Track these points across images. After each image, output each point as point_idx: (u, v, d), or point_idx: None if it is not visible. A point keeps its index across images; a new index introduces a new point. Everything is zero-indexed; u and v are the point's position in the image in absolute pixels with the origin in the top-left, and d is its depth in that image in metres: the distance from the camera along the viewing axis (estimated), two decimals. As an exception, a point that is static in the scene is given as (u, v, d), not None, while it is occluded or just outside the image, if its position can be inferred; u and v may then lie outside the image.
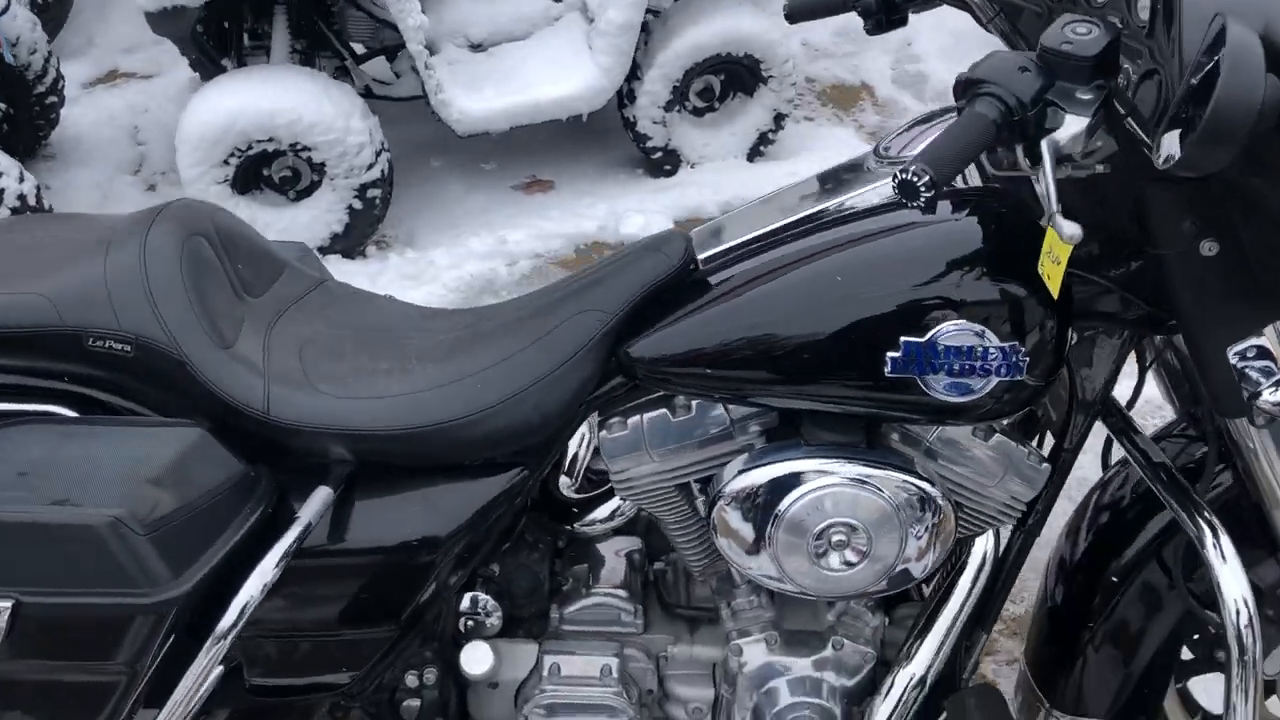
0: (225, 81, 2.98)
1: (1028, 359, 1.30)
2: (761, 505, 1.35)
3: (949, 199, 1.40)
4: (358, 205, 3.03)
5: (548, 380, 1.39)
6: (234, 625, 1.23)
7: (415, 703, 1.50)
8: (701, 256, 1.44)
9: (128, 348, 1.31)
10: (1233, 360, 1.33)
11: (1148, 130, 1.06)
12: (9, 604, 1.14)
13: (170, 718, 1.27)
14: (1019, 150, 1.16)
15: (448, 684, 1.52)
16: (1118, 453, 1.60)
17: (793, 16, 1.72)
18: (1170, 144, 0.99)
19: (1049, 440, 1.54)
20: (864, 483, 1.34)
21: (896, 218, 1.37)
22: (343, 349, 1.47)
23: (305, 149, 2.92)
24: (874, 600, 1.55)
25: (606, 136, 3.68)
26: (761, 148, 3.63)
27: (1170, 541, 1.56)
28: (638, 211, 3.33)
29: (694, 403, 1.42)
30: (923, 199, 1.05)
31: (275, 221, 3.00)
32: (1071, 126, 1.13)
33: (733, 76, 3.49)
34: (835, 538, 1.35)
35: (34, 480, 1.18)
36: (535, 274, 3.18)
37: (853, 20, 1.63)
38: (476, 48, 3.38)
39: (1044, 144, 1.10)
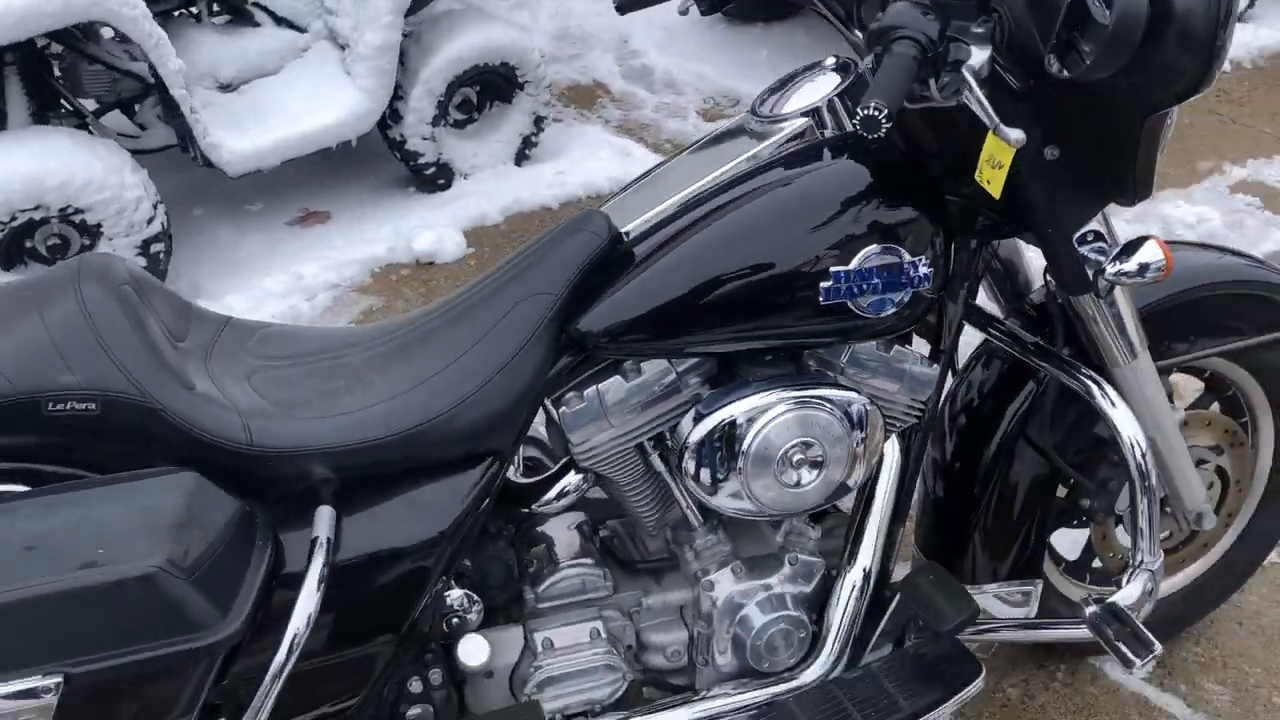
0: (-22, 152, 2.76)
1: (929, 270, 1.51)
2: (727, 443, 1.49)
3: (828, 146, 1.59)
4: (142, 263, 2.89)
5: (510, 366, 1.46)
6: (288, 659, 1.23)
7: (422, 708, 1.52)
8: (626, 228, 1.55)
9: (92, 405, 1.26)
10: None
11: (1042, 46, 1.28)
12: (58, 679, 1.09)
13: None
14: (933, 85, 1.35)
15: (447, 683, 1.55)
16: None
17: (623, 8, 1.85)
18: (1069, 57, 1.22)
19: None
20: (810, 403, 1.50)
21: (796, 169, 1.54)
22: (289, 377, 1.47)
23: (78, 211, 2.75)
24: (808, 516, 1.73)
25: (369, 161, 3.68)
26: (526, 151, 3.74)
27: (1031, 417, 1.84)
28: (425, 228, 3.36)
29: (641, 364, 1.53)
30: (883, 130, 1.22)
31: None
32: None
33: (489, 86, 3.58)
34: (795, 457, 1.51)
35: (46, 552, 1.13)
36: (337, 304, 3.15)
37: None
38: (226, 88, 3.29)
39: (965, 72, 1.30)
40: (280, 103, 3.23)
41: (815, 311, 1.48)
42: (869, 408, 1.54)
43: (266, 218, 3.48)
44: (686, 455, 1.50)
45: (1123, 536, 1.98)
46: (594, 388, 1.51)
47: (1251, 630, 2.25)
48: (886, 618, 1.71)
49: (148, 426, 1.28)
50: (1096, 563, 2.08)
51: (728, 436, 1.49)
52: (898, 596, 1.70)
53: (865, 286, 1.47)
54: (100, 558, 1.13)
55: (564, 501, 1.63)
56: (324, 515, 1.33)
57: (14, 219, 2.71)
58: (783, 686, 1.67)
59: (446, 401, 1.43)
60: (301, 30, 3.39)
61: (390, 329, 1.58)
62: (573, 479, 1.60)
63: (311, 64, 3.35)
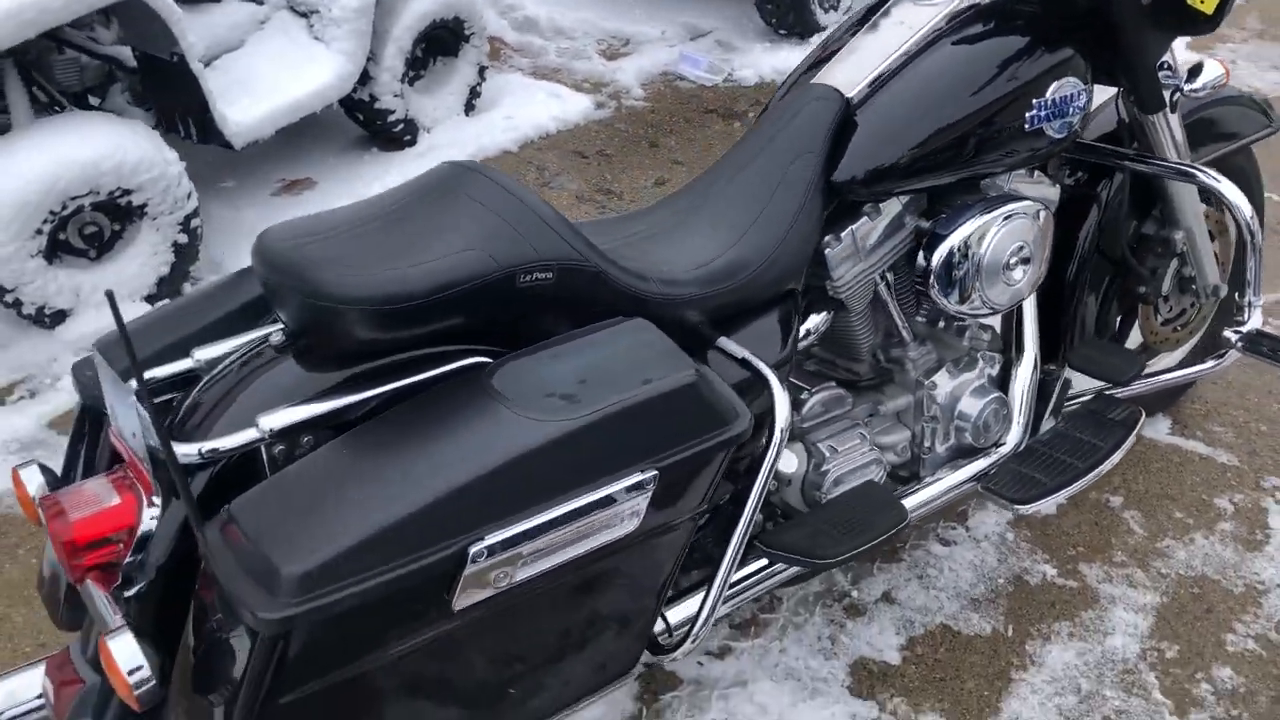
0: (20, 141, 2.69)
1: (1089, 97, 1.94)
2: (966, 258, 1.87)
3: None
4: (183, 239, 2.92)
5: (802, 215, 1.78)
6: (777, 453, 1.54)
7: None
8: (851, 94, 1.88)
9: (549, 275, 1.47)
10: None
11: None
12: (654, 473, 1.33)
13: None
14: None
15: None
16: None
17: None
18: None
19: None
20: (1016, 215, 1.90)
21: (985, 24, 1.90)
22: (644, 246, 1.71)
23: (125, 194, 2.75)
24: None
25: (316, 128, 3.76)
26: (473, 102, 3.94)
27: (1101, 233, 2.30)
28: (415, 180, 3.52)
29: (881, 206, 1.89)
30: None
31: (97, 283, 2.82)
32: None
33: (435, 41, 3.75)
34: (1014, 259, 1.91)
35: (600, 382, 1.36)
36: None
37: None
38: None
39: None
40: (259, 74, 3.28)
41: (1020, 138, 1.88)
42: (1045, 212, 1.96)
43: (249, 192, 3.52)
44: (934, 275, 1.87)
45: (1162, 315, 2.53)
46: (849, 229, 1.86)
47: (1225, 385, 2.88)
48: (1057, 389, 2.16)
49: (594, 288, 1.51)
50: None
51: (965, 252, 1.87)
52: (1064, 371, 2.15)
53: (1056, 112, 1.89)
54: (650, 376, 1.38)
55: (812, 338, 1.96)
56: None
57: (64, 207, 2.70)
58: (993, 457, 2.08)
59: (768, 247, 1.73)
60: (260, 3, 3.43)
61: (686, 199, 1.84)
62: (816, 319, 1.93)
63: (274, 35, 3.41)
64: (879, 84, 1.88)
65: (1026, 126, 1.87)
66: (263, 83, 3.26)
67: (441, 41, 3.75)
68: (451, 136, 3.77)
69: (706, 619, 1.56)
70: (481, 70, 3.91)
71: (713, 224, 1.78)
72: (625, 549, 1.38)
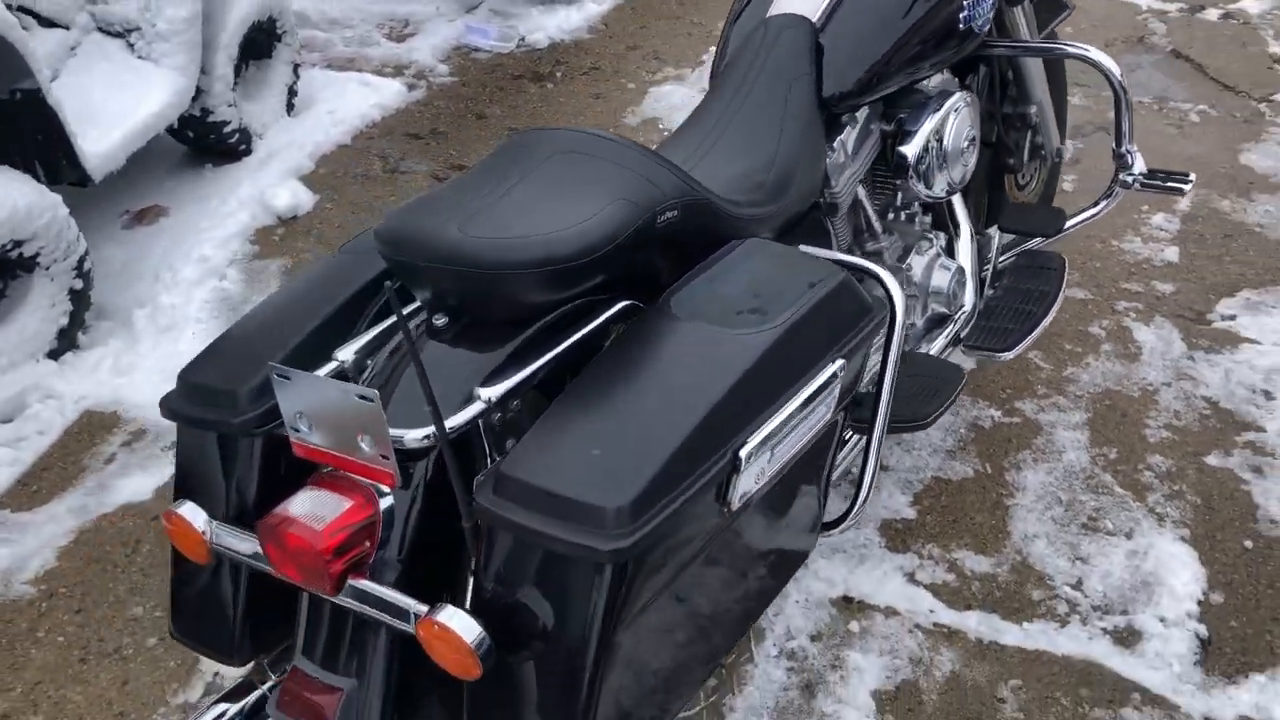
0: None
1: None
2: (935, 147, 2.14)
3: None
4: (78, 285, 2.73)
5: (813, 131, 1.98)
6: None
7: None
8: (815, 19, 2.09)
9: (676, 212, 1.60)
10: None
11: None
12: (842, 361, 1.51)
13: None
14: None
15: None
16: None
17: None
18: None
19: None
20: (959, 105, 2.19)
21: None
22: (700, 174, 1.85)
23: (17, 245, 2.54)
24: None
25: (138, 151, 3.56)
26: (292, 101, 3.84)
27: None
28: (274, 188, 3.42)
29: (856, 116, 2.12)
30: None
31: (-2, 347, 2.61)
32: None
33: (249, 44, 3.62)
34: (966, 143, 2.21)
35: (769, 293, 1.51)
36: (250, 275, 3.17)
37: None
38: (19, 101, 3.06)
39: None
40: (94, 103, 3.08)
41: (956, 36, 2.16)
42: (975, 100, 2.27)
43: (98, 229, 3.29)
44: (911, 169, 2.13)
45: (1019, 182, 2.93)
46: (839, 140, 2.08)
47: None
48: (994, 251, 2.49)
49: (705, 219, 1.65)
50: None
51: (933, 144, 2.14)
52: (998, 232, 2.48)
53: (977, 10, 2.18)
54: (812, 281, 1.54)
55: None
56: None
57: (-42, 270, 2.49)
58: (960, 321, 2.39)
59: (801, 162, 1.93)
60: (66, 28, 3.20)
61: (701, 129, 1.98)
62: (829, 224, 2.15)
63: (91, 60, 3.20)
64: (834, 7, 2.11)
65: (960, 26, 2.16)
66: (103, 111, 3.07)
67: (256, 44, 3.64)
68: (285, 139, 3.68)
69: (867, 493, 1.76)
70: (295, 68, 3.82)
71: (745, 148, 1.95)
72: (818, 438, 1.56)
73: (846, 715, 2.00)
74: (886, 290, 1.79)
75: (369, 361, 1.54)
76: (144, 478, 2.52)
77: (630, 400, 1.36)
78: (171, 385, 2.66)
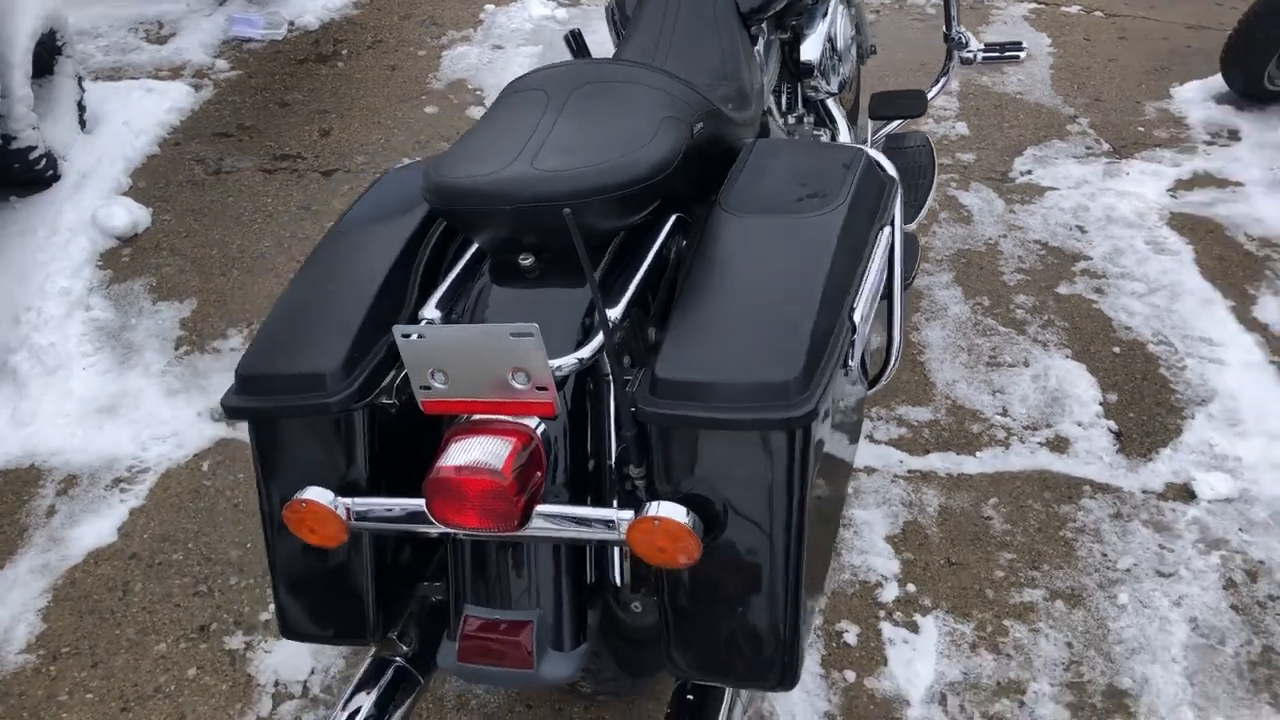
0: None
1: None
2: (828, 48, 2.35)
3: None
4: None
5: (745, 43, 2.13)
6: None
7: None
8: None
9: (703, 124, 1.70)
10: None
11: None
12: (889, 228, 1.67)
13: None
14: None
15: None
16: None
17: None
18: None
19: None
20: (838, 9, 2.41)
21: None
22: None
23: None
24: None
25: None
26: (83, 117, 3.55)
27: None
28: (103, 209, 3.19)
29: (764, 27, 2.29)
30: None
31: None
32: None
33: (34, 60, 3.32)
34: (850, 42, 2.43)
35: (812, 179, 1.63)
36: (117, 298, 2.96)
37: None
38: None
39: None
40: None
41: None
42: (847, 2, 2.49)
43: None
44: (817, 66, 2.32)
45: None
46: (756, 50, 2.24)
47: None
48: (869, 140, 2.74)
49: (721, 126, 1.76)
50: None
51: (826, 43, 2.34)
52: (870, 120, 2.73)
53: None
54: (844, 163, 1.69)
55: None
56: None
57: None
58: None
59: (750, 72, 2.07)
60: None
61: (642, 44, 2.07)
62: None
63: None
64: None
65: None
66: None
67: (39, 60, 3.35)
68: (91, 157, 3.41)
69: (900, 345, 1.95)
70: (80, 82, 3.54)
71: (695, 61, 2.06)
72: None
73: (874, 563, 2.22)
74: (882, 165, 1.97)
75: (453, 314, 1.56)
76: (98, 521, 2.36)
77: (747, 292, 1.46)
78: (79, 422, 2.51)
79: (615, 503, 1.52)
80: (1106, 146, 3.71)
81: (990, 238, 3.23)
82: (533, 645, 1.48)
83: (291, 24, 4.43)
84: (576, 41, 2.70)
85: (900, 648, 2.05)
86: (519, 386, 1.37)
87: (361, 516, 1.47)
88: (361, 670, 1.69)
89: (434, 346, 1.35)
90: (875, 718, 1.93)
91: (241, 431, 2.57)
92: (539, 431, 1.44)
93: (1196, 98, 4.00)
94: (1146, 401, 2.62)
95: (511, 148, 1.58)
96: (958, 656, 2.03)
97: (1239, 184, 3.49)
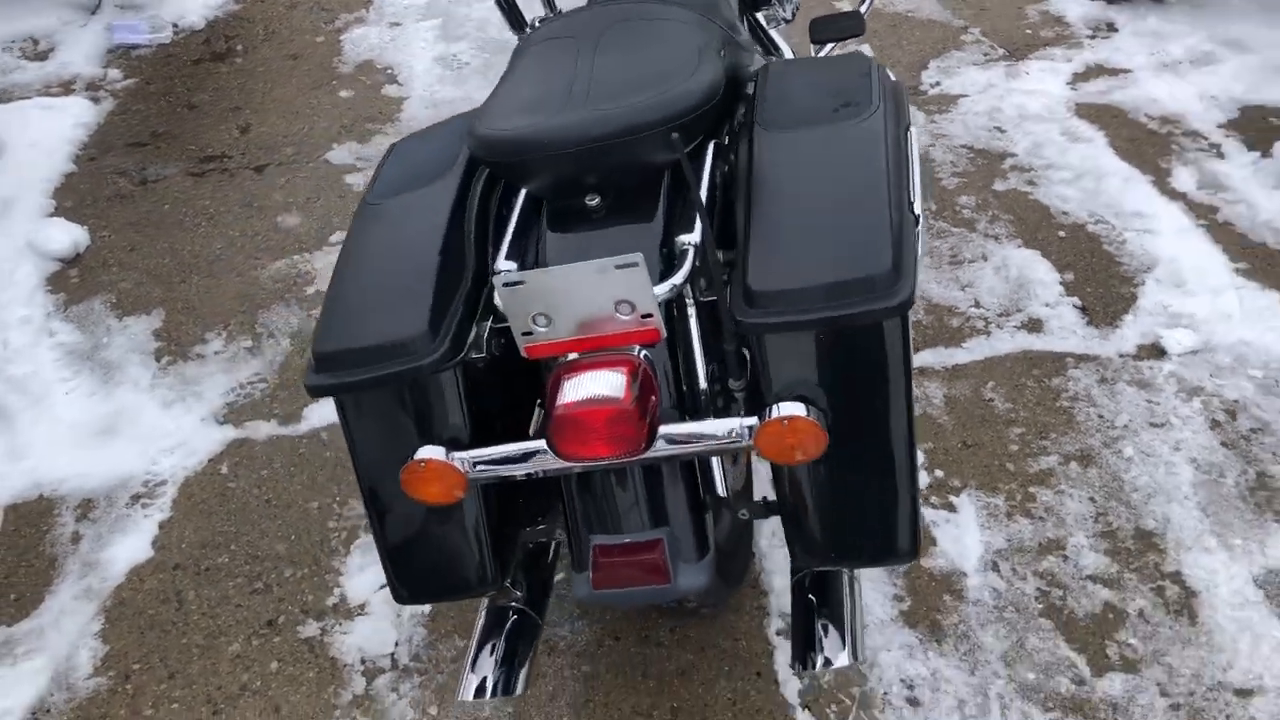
0: None
1: None
2: None
3: None
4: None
5: None
6: None
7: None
8: None
9: (725, 51, 1.73)
10: None
11: None
12: (912, 129, 1.75)
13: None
14: None
15: None
16: None
17: None
18: None
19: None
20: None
21: None
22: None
23: None
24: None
25: None
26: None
27: None
28: (40, 232, 3.05)
29: None
30: None
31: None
32: None
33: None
34: None
35: (838, 92, 1.68)
36: (81, 321, 2.86)
37: None
38: None
39: None
40: None
41: None
42: None
43: None
44: None
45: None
46: None
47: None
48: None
49: (737, 54, 1.80)
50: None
51: None
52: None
53: None
54: (860, 73, 1.77)
55: None
56: None
57: None
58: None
59: (731, 15, 2.14)
60: None
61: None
62: None
63: None
64: None
65: None
66: None
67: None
68: (9, 184, 3.26)
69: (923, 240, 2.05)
70: (-20, 107, 3.38)
71: None
72: None
73: (900, 455, 2.34)
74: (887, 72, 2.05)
75: (525, 264, 1.59)
76: (129, 539, 2.31)
77: (818, 199, 1.52)
78: (78, 447, 2.45)
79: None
80: (1002, 51, 3.90)
81: (920, 147, 3.37)
82: (667, 561, 1.55)
83: (175, 26, 4.28)
84: (508, 2, 2.72)
85: (944, 528, 2.18)
86: (624, 317, 1.41)
87: (478, 468, 1.50)
88: (480, 623, 1.73)
89: (538, 290, 1.38)
90: (940, 592, 2.06)
91: (253, 431, 2.54)
92: (644, 357, 1.49)
93: (1071, -5, 4.24)
94: (1100, 275, 2.81)
95: (561, 93, 1.62)
96: (997, 527, 2.18)
97: (1128, 71, 3.73)
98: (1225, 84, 3.56)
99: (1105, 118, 3.46)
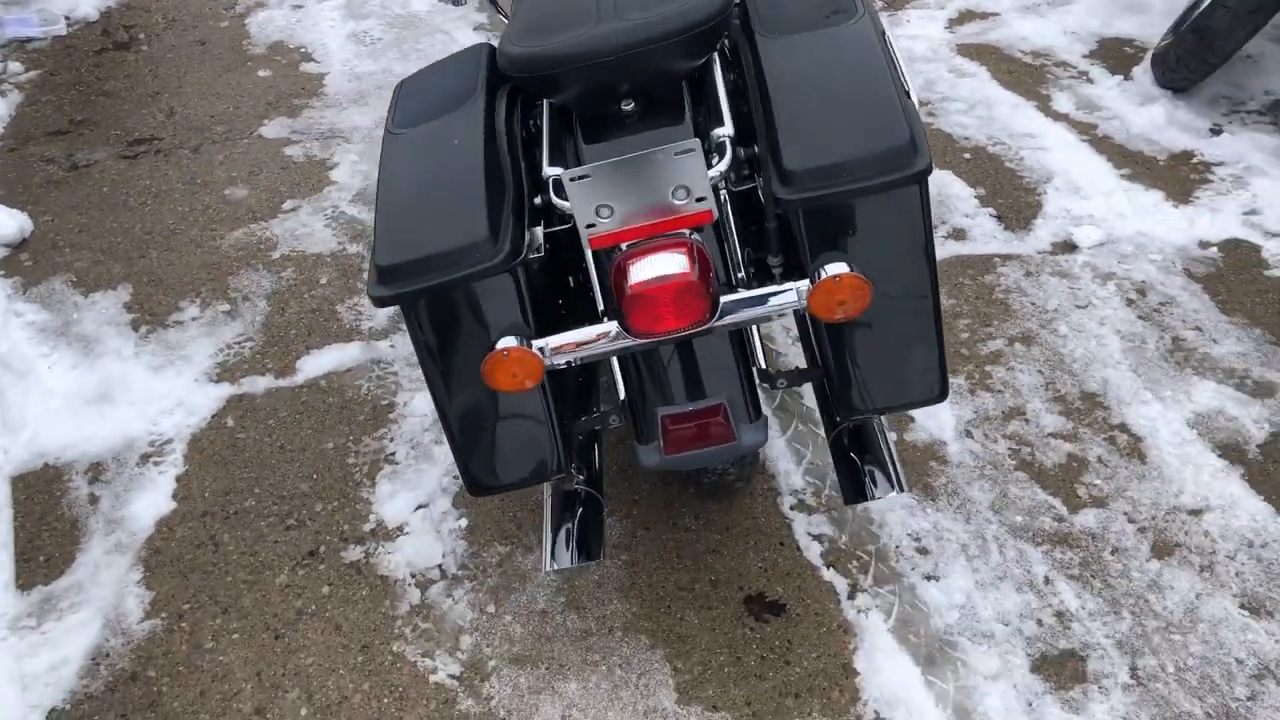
0: None
1: None
2: None
3: None
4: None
5: None
6: None
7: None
8: None
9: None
10: None
11: None
12: (889, 31, 1.96)
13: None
14: None
15: None
16: None
17: None
18: None
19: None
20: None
21: None
22: None
23: None
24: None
25: None
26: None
27: None
28: (-18, 218, 2.98)
29: None
30: None
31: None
32: None
33: None
34: None
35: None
36: (46, 292, 2.81)
37: None
38: None
39: None
40: None
41: None
42: None
43: None
44: None
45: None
46: None
47: None
48: None
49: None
50: None
51: None
52: None
53: None
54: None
55: None
56: None
57: None
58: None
59: None
60: None
61: None
62: None
63: None
64: None
65: None
66: None
67: None
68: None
69: None
70: (-106, 100, 3.26)
71: None
72: None
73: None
74: None
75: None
76: (148, 495, 2.32)
77: (829, 89, 1.67)
78: (76, 415, 2.45)
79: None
80: (881, 4, 4.19)
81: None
82: (731, 421, 1.71)
83: (67, 18, 4.18)
84: None
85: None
86: (679, 202, 1.55)
87: (554, 353, 1.63)
88: (549, 506, 1.86)
89: (603, 182, 1.52)
90: (925, 459, 2.29)
91: (250, 386, 2.57)
92: (697, 237, 1.64)
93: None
94: (1006, 189, 3.10)
95: (585, 10, 1.75)
96: (964, 402, 2.42)
97: (996, 14, 4.07)
98: (1082, 20, 3.93)
99: (984, 55, 3.78)
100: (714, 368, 1.73)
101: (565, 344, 1.63)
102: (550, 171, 1.69)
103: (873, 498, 1.77)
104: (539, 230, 1.72)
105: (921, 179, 1.57)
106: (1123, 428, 2.33)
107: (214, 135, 3.52)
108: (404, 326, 2.66)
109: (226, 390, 2.57)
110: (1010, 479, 2.23)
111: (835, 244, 1.62)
